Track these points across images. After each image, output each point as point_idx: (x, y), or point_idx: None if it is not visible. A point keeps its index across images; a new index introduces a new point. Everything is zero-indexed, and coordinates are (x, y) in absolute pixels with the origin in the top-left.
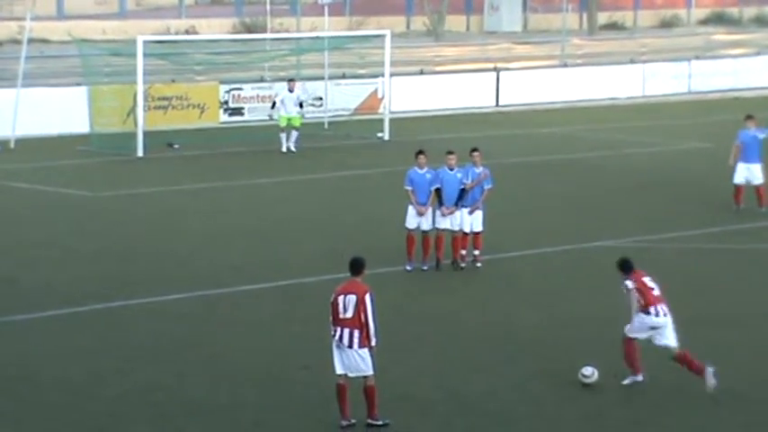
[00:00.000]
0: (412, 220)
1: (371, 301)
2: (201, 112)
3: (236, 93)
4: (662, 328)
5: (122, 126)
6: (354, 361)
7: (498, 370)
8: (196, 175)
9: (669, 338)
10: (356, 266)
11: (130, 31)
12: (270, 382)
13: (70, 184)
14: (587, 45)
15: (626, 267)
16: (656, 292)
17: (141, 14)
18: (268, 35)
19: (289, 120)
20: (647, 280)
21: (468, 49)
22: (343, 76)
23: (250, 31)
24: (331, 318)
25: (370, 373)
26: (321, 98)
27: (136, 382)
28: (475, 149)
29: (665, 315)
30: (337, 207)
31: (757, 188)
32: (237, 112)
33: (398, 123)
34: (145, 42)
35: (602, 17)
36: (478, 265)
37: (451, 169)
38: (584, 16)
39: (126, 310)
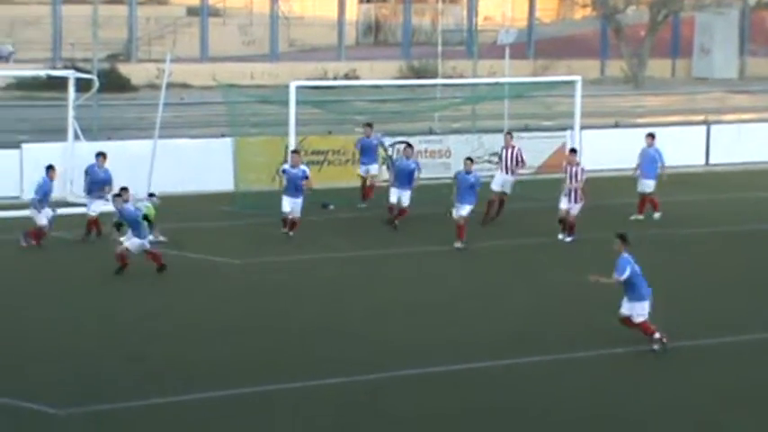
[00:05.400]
0: None
1: None
2: None
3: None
4: None
5: (271, 184)
6: None
7: None
8: (354, 241)
9: None
10: None
11: (282, 75)
12: None
13: (212, 249)
14: None
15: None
16: None
17: (295, 56)
18: (439, 81)
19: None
20: None
21: (673, 98)
22: (526, 129)
23: (418, 76)
24: None
25: None
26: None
27: None
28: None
29: None
30: (514, 282)
31: None
32: None
33: (591, 184)
34: (298, 88)
35: None
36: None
37: None
38: None
39: (272, 397)
